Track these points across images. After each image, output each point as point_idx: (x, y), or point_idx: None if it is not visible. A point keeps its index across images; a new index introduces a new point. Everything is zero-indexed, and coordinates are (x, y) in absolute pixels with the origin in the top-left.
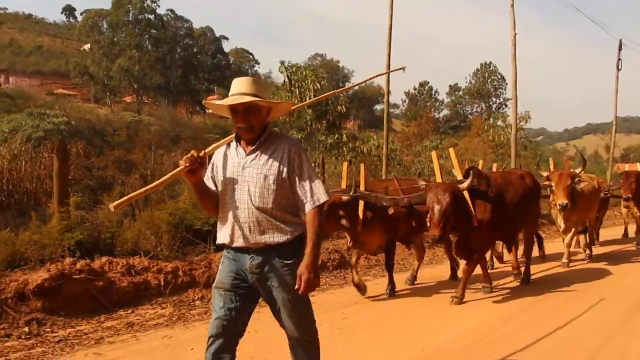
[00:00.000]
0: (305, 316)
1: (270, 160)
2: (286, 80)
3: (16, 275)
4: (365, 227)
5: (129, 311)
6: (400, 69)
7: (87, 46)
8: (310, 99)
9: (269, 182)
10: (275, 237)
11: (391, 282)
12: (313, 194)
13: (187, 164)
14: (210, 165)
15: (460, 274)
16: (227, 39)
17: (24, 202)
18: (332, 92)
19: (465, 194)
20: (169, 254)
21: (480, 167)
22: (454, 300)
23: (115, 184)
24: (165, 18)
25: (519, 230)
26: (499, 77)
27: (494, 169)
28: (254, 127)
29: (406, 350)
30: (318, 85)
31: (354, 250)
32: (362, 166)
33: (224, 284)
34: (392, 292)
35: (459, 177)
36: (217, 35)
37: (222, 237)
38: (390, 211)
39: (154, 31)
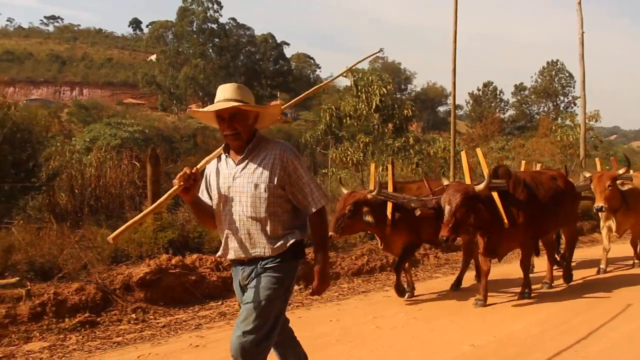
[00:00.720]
0: (259, 314)
1: (260, 168)
2: (352, 85)
3: (121, 269)
4: (393, 229)
5: (219, 303)
6: (377, 52)
7: (153, 57)
8: (376, 104)
9: (260, 191)
10: (266, 251)
11: (397, 286)
12: (313, 198)
13: (182, 183)
14: (203, 180)
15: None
16: (288, 44)
17: (110, 206)
18: (314, 88)
19: (494, 194)
20: None
21: (523, 168)
22: (479, 303)
23: None
24: (227, 27)
25: (548, 233)
26: (567, 74)
27: (522, 168)
28: (241, 135)
29: (479, 336)
30: (384, 90)
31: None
32: (389, 167)
33: (239, 300)
34: (411, 294)
35: (467, 179)
36: (279, 41)
37: (220, 249)
38: (417, 213)
39: (217, 40)
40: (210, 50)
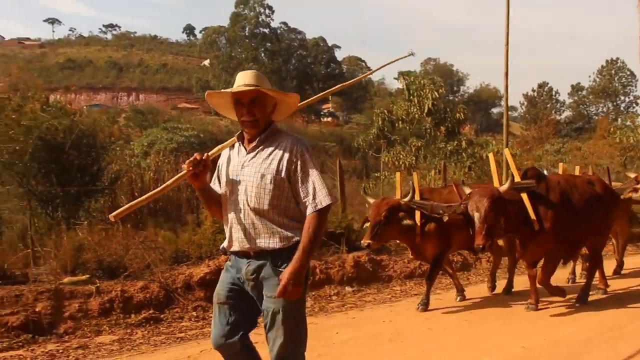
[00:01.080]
0: (289, 334)
1: (270, 158)
2: (404, 89)
3: (182, 269)
4: (423, 237)
5: None
6: (407, 55)
7: (206, 62)
8: (428, 107)
9: (265, 182)
10: (270, 242)
11: (427, 296)
12: (315, 196)
13: (190, 168)
14: (216, 170)
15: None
16: (339, 47)
17: (169, 209)
18: (326, 92)
19: (524, 196)
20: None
21: (560, 171)
22: (530, 307)
23: None
24: (279, 31)
25: (583, 240)
26: (628, 73)
27: (577, 172)
28: (259, 122)
29: (530, 339)
30: (436, 93)
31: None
32: (414, 175)
33: (220, 296)
34: (425, 307)
35: (517, 179)
36: (330, 44)
37: (225, 241)
38: (445, 219)
39: (269, 44)
40: (263, 55)
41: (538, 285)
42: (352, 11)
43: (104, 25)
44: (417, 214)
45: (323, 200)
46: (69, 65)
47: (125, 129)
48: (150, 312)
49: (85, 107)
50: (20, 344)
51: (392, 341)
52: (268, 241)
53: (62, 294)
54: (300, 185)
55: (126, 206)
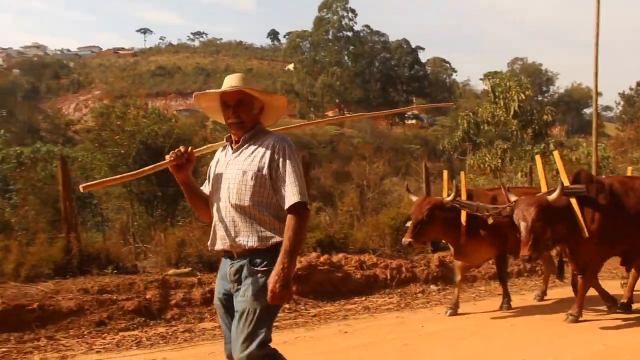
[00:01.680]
0: (252, 332)
1: (252, 155)
2: (490, 91)
3: None
4: (468, 238)
5: (363, 298)
6: (448, 104)
7: (291, 66)
8: (514, 109)
9: (247, 178)
10: (249, 241)
11: (506, 295)
12: (292, 194)
13: (172, 158)
14: (208, 171)
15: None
16: (423, 49)
17: None
18: (316, 121)
19: (573, 201)
20: (391, 252)
21: (629, 173)
22: (569, 318)
23: (334, 193)
24: (362, 34)
25: (636, 254)
26: None
27: (629, 173)
28: (245, 123)
29: (614, 337)
30: (523, 95)
31: (457, 266)
32: (462, 174)
33: (216, 303)
34: (508, 306)
35: (566, 183)
36: (413, 46)
37: (210, 239)
38: (490, 221)
39: (353, 47)
40: (346, 58)
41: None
42: (436, 11)
43: (191, 33)
44: (463, 214)
45: (292, 197)
46: (160, 72)
47: (213, 132)
48: None
49: (174, 112)
50: (135, 325)
51: (475, 335)
52: (247, 239)
53: (169, 284)
54: (279, 182)
55: (98, 181)
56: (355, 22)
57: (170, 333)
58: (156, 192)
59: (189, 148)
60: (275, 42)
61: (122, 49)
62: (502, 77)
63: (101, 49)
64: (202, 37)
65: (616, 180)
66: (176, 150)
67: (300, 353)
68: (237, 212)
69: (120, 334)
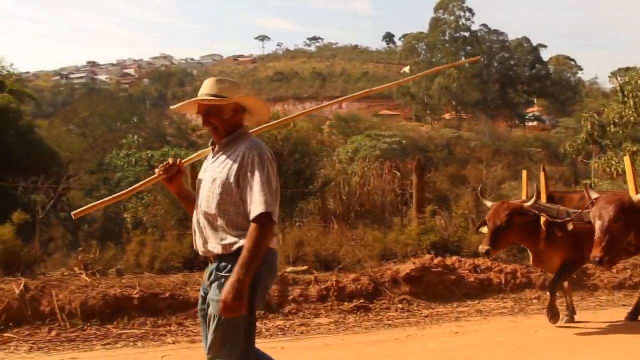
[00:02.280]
0: (219, 342)
1: (224, 162)
2: (618, 90)
3: (389, 265)
4: (548, 243)
5: (476, 302)
6: (475, 59)
7: (406, 68)
8: None
9: (215, 186)
10: (215, 247)
11: (551, 307)
12: (257, 204)
13: (161, 172)
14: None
15: None
16: (545, 47)
17: (373, 211)
18: (303, 111)
19: None
20: (506, 257)
21: None
22: None
23: (449, 196)
24: (479, 34)
25: None
26: None
27: None
28: (218, 129)
29: None
30: None
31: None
32: (541, 175)
33: (198, 307)
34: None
35: (631, 189)
36: (534, 44)
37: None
38: (570, 227)
39: (470, 48)
40: (463, 59)
41: None
42: (560, 5)
43: (307, 39)
44: (543, 219)
45: (257, 208)
46: (277, 77)
47: (329, 137)
48: (361, 301)
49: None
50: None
51: (592, 344)
52: (214, 245)
53: (287, 281)
54: (246, 191)
55: (89, 205)
56: (473, 22)
57: (287, 326)
58: None
59: (177, 160)
60: (391, 45)
61: (242, 56)
62: (632, 75)
63: (222, 56)
64: (318, 42)
65: None
66: (164, 163)
67: (411, 350)
68: (206, 219)
69: None
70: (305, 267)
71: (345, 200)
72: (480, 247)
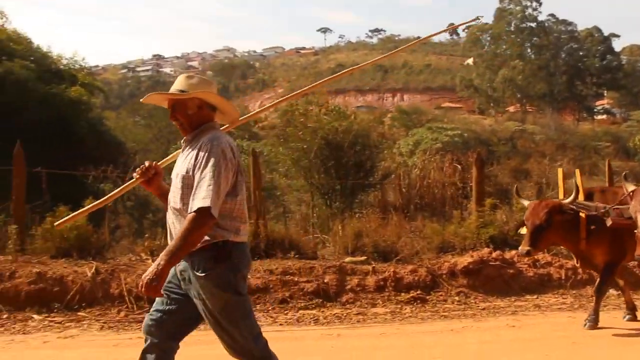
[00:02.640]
0: (230, 334)
1: (188, 157)
2: None
3: (447, 258)
4: (589, 243)
5: (534, 297)
6: (472, 21)
7: (470, 60)
8: None
9: (177, 181)
10: None
11: (595, 312)
12: (198, 198)
13: (139, 176)
14: None
15: None
16: (617, 36)
17: (433, 204)
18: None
19: None
20: (567, 252)
21: None
22: None
23: (511, 190)
24: (546, 24)
25: None
26: None
27: None
28: (184, 125)
29: None
30: None
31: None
32: (577, 172)
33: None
34: (593, 324)
35: None
36: (606, 34)
37: None
38: (608, 223)
39: (536, 39)
40: (529, 50)
41: None
42: None
43: (370, 31)
44: (583, 217)
45: (195, 203)
46: (339, 69)
47: (390, 129)
48: (418, 292)
49: (353, 108)
50: (313, 305)
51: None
52: None
53: (345, 271)
54: (196, 183)
55: (70, 216)
56: (540, 12)
57: (344, 314)
58: (335, 186)
59: (154, 162)
60: (454, 37)
61: (304, 48)
62: None
63: (284, 49)
64: (380, 34)
65: None
66: (141, 167)
67: (467, 341)
68: (174, 215)
69: (300, 311)
70: (363, 258)
71: (405, 193)
72: (520, 247)
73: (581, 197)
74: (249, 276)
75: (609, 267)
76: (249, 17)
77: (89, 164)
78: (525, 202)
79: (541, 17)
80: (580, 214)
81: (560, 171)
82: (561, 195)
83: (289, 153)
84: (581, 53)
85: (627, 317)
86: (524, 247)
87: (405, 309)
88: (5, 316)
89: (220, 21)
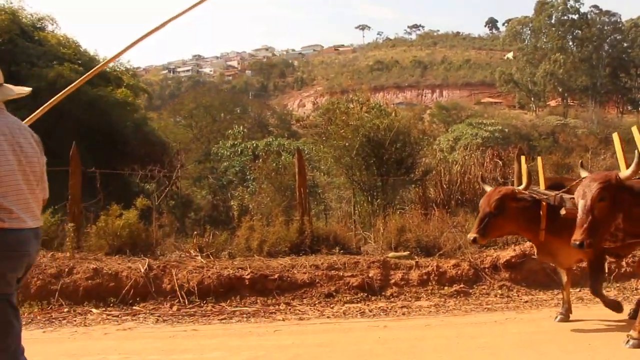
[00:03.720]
0: None
1: None
2: None
3: (490, 252)
4: (550, 235)
5: (577, 289)
6: None
7: (510, 54)
8: None
9: None
10: None
11: (611, 305)
12: None
13: None
14: None
15: None
16: None
17: (474, 200)
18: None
19: None
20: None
21: None
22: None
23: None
24: (589, 16)
25: None
26: None
27: None
28: None
29: None
30: None
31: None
32: (539, 160)
33: None
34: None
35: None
36: None
37: None
38: (562, 212)
39: (578, 31)
40: (571, 43)
41: None
42: None
43: (408, 27)
44: (543, 207)
45: None
46: (378, 66)
47: (430, 125)
48: (461, 286)
49: (392, 105)
50: (358, 299)
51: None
52: None
53: (389, 265)
54: None
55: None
56: (582, 4)
57: (389, 307)
58: (376, 183)
59: None
60: (494, 31)
61: (342, 45)
62: None
63: (323, 47)
64: (418, 29)
65: None
66: None
67: (509, 332)
68: None
69: (346, 305)
70: (406, 253)
71: (446, 189)
72: (468, 235)
73: (543, 186)
74: (295, 271)
75: (595, 260)
76: (287, 14)
77: (134, 163)
78: (488, 188)
79: (583, 9)
80: (542, 203)
81: (523, 158)
82: (525, 182)
83: (330, 151)
84: (625, 44)
85: (559, 317)
86: (471, 234)
87: (449, 302)
88: (66, 310)
89: (258, 19)
